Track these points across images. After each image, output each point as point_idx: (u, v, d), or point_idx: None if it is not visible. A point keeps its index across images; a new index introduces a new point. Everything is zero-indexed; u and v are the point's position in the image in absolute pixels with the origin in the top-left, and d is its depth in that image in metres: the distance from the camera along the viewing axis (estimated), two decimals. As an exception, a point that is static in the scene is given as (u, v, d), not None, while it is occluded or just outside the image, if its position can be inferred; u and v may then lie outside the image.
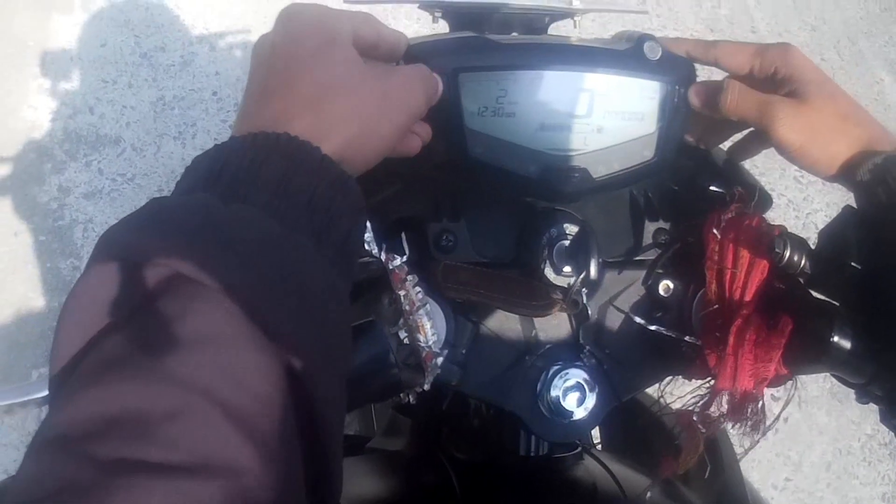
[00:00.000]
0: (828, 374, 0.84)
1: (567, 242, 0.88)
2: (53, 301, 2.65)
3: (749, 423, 0.86)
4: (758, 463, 2.71)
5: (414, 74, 0.74)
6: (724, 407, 0.86)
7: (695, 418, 0.87)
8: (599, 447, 1.33)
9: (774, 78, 0.85)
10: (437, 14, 1.07)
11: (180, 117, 3.06)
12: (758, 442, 0.87)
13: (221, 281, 0.50)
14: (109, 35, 3.23)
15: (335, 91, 0.66)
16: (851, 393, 0.84)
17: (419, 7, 1.06)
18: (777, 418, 0.86)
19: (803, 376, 0.87)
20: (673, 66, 0.88)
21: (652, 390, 0.99)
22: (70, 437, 0.45)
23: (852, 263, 0.78)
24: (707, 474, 1.04)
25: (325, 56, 0.67)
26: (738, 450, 0.93)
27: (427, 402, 0.87)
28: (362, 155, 0.67)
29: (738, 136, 0.96)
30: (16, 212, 2.81)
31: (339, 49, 0.68)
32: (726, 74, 0.91)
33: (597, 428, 1.29)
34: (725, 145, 0.99)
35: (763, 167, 3.28)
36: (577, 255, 0.85)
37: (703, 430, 0.87)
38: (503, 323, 0.91)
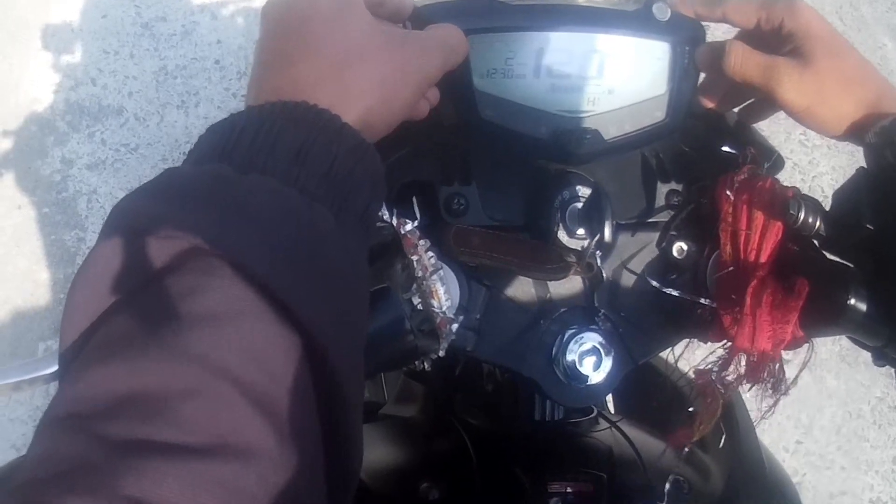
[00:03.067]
0: (837, 337, 0.83)
1: (580, 205, 0.87)
2: (59, 273, 2.65)
3: (769, 384, 0.86)
4: (769, 426, 2.71)
5: (431, 40, 0.72)
6: (742, 369, 0.85)
7: (713, 378, 0.86)
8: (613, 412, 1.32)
9: (780, 32, 0.84)
10: (444, -26, 1.06)
11: (183, 86, 3.05)
12: (774, 406, 0.87)
13: (237, 255, 0.50)
14: (110, 6, 3.21)
15: (355, 58, 0.64)
16: (861, 356, 0.84)
17: (426, -31, 1.05)
18: (794, 381, 0.86)
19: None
20: (682, 26, 0.88)
21: (665, 355, 0.98)
22: (81, 416, 0.44)
23: (866, 225, 0.77)
24: (722, 442, 1.04)
25: (342, 20, 0.65)
26: (754, 413, 0.92)
27: (440, 368, 0.87)
28: (382, 122, 0.66)
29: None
30: (19, 185, 2.81)
31: (355, 13, 0.67)
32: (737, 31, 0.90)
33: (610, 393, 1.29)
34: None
35: (769, 130, 3.26)
36: (591, 217, 0.84)
37: (723, 391, 0.87)
38: (517, 287, 0.90)
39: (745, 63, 0.84)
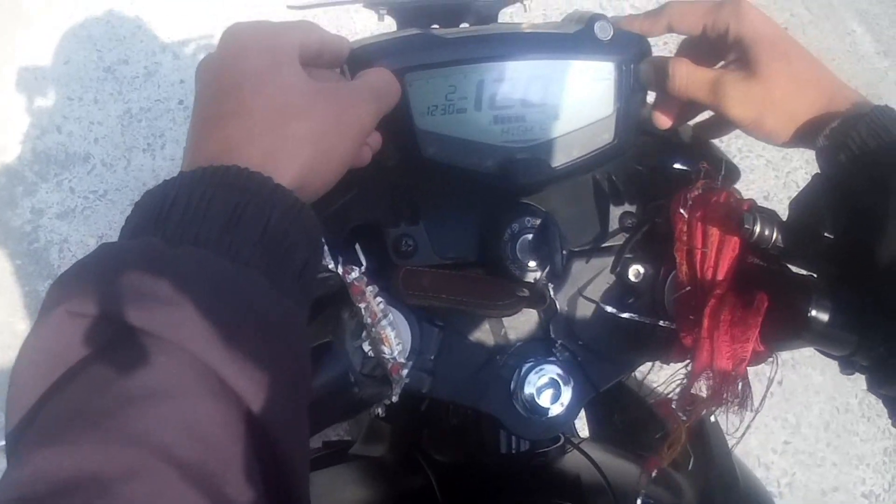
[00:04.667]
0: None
1: (530, 236, 0.86)
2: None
3: (735, 402, 0.85)
4: (755, 429, 2.68)
5: (363, 88, 0.72)
6: (704, 392, 0.84)
7: (674, 406, 0.86)
8: (588, 436, 1.32)
9: (727, 38, 0.83)
10: (382, 11, 1.05)
11: (148, 129, 3.04)
12: (746, 429, 0.86)
13: (172, 331, 0.49)
14: (72, 51, 3.20)
15: (287, 115, 0.63)
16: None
17: (364, 6, 1.05)
18: (763, 399, 0.85)
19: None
20: (626, 43, 0.87)
21: (640, 373, 0.97)
22: (28, 500, 0.43)
23: (825, 233, 0.76)
24: (691, 464, 1.03)
25: (274, 77, 0.65)
26: (732, 427, 0.92)
27: (405, 405, 0.86)
28: (320, 178, 0.66)
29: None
30: (-10, 238, 2.80)
31: (287, 68, 0.66)
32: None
33: (583, 417, 1.28)
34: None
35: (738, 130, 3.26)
36: (541, 248, 0.84)
37: (684, 419, 0.86)
38: (471, 324, 0.89)
39: (689, 82, 0.83)
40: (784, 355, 2.80)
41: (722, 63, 0.87)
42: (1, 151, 2.96)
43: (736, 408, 0.85)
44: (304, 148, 0.63)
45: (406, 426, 1.08)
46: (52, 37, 3.24)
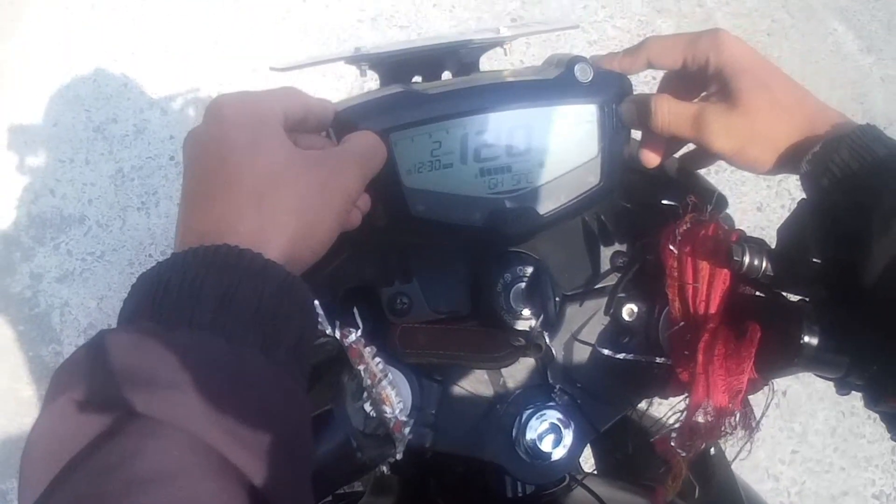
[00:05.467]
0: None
1: (523, 284, 0.86)
2: (40, 389, 2.64)
3: (736, 430, 0.85)
4: (763, 441, 2.70)
5: (348, 154, 0.72)
6: (701, 426, 0.85)
7: (672, 444, 0.86)
8: (595, 472, 1.32)
9: (707, 70, 0.84)
10: (364, 67, 1.06)
11: (141, 187, 3.05)
12: (749, 447, 0.86)
13: (172, 414, 0.50)
14: (60, 113, 3.22)
15: (273, 186, 0.64)
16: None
17: (346, 63, 1.06)
18: (758, 422, 0.85)
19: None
20: (607, 84, 0.87)
21: (642, 404, 0.98)
22: None
23: (813, 258, 0.77)
24: (697, 494, 1.03)
25: (256, 149, 0.65)
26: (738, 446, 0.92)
27: (411, 455, 0.86)
28: (309, 248, 0.66)
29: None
30: (-10, 305, 2.80)
31: (271, 140, 0.66)
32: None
33: (589, 452, 1.28)
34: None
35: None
36: (535, 295, 0.84)
37: (683, 454, 0.86)
38: (470, 376, 0.90)
39: (672, 118, 0.84)
40: (780, 383, 2.81)
41: (703, 95, 0.88)
42: (-3, 217, 2.98)
43: (739, 433, 0.85)
44: (292, 219, 0.64)
45: (413, 476, 1.08)
46: (39, 99, 3.26)
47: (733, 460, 0.95)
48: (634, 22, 3.82)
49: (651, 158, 0.91)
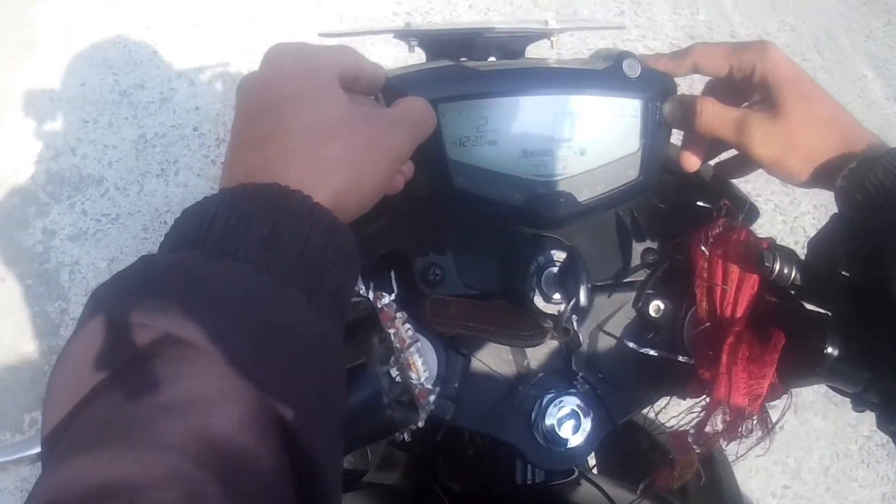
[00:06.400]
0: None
1: (555, 269, 0.86)
2: (43, 345, 2.64)
3: (755, 434, 0.86)
4: (756, 472, 2.70)
5: (400, 116, 0.72)
6: (719, 425, 0.85)
7: (690, 439, 0.87)
8: (595, 470, 1.32)
9: (752, 79, 0.85)
10: (413, 43, 1.06)
11: (162, 154, 3.06)
12: (769, 445, 0.87)
13: (211, 341, 0.50)
14: (88, 74, 3.23)
15: (327, 136, 0.64)
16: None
17: (394, 37, 1.06)
18: (773, 428, 0.86)
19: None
20: (653, 82, 0.88)
21: (645, 409, 0.98)
22: None
23: (842, 272, 0.77)
24: (703, 482, 1.03)
25: (313, 98, 0.65)
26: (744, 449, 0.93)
27: (421, 435, 0.86)
28: (354, 202, 0.66)
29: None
30: (1, 257, 2.81)
31: (327, 91, 0.67)
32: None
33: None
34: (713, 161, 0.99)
35: (747, 173, 3.28)
36: (566, 281, 0.84)
37: (698, 450, 0.87)
38: (495, 354, 0.90)
39: (716, 120, 0.85)
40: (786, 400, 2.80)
41: (745, 104, 0.89)
42: (14, 172, 2.98)
43: (756, 436, 0.86)
44: (341, 170, 0.64)
45: (421, 455, 1.09)
46: (68, 59, 3.28)
47: (735, 460, 0.95)
48: (666, 44, 3.85)
49: (691, 160, 0.92)
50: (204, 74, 3.26)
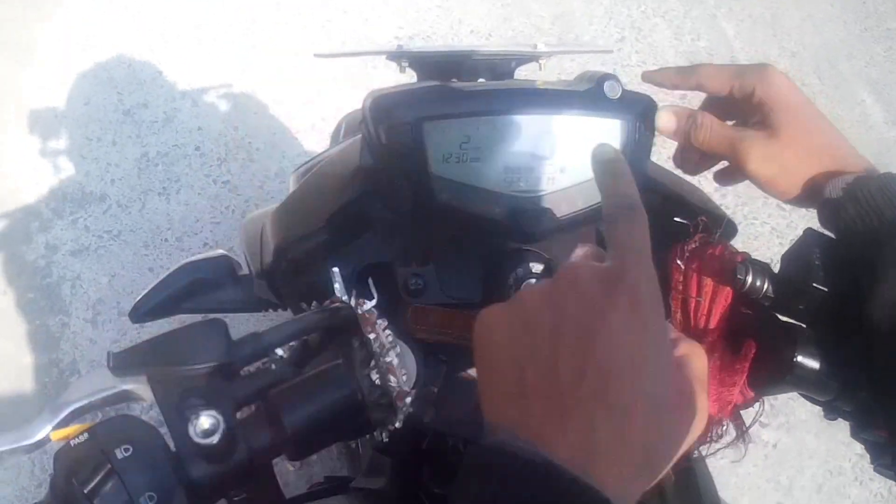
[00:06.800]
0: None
1: (534, 281, 0.89)
2: (43, 358, 2.66)
3: (728, 437, 0.88)
4: (748, 489, 2.70)
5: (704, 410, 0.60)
6: None
7: None
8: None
9: (751, 100, 0.87)
10: (404, 64, 1.09)
11: (164, 173, 3.09)
12: (743, 452, 0.89)
13: None
14: (93, 92, 3.27)
15: (656, 427, 0.53)
16: (843, 415, 0.86)
17: (387, 58, 1.09)
18: (746, 432, 0.88)
19: (791, 401, 0.88)
20: (633, 102, 0.91)
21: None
22: None
23: (814, 285, 0.80)
24: (679, 485, 1.05)
25: (652, 370, 0.54)
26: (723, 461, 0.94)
27: (408, 442, 0.88)
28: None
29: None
30: (4, 270, 2.84)
31: (664, 359, 0.56)
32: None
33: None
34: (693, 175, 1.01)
35: (746, 195, 3.31)
36: None
37: None
38: (473, 362, 0.92)
39: (713, 136, 0.88)
40: (780, 419, 2.83)
41: (742, 124, 0.91)
42: (18, 187, 3.02)
43: (729, 442, 0.88)
44: (649, 472, 0.54)
45: (407, 461, 1.11)
46: (73, 77, 3.32)
47: (706, 456, 0.96)
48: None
49: (684, 168, 0.96)
50: (207, 95, 3.30)
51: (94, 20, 3.50)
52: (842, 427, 0.85)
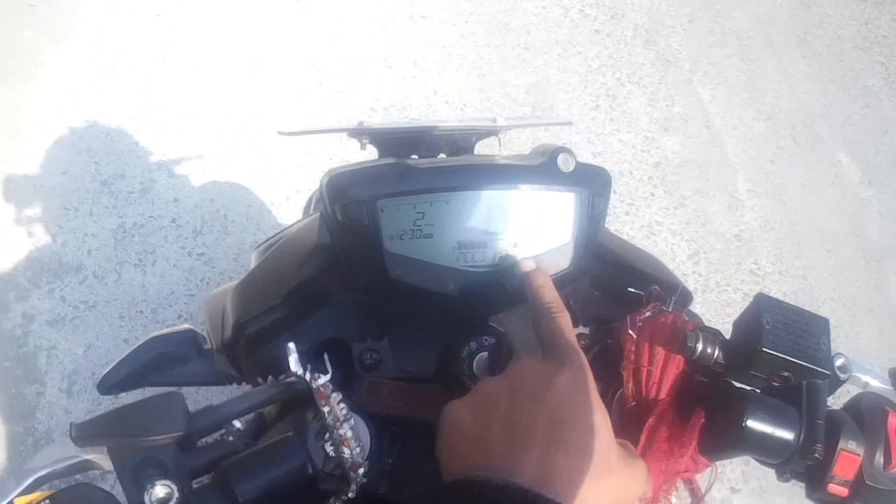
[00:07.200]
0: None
1: (486, 354, 0.91)
2: (18, 427, 2.65)
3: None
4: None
5: (643, 471, 0.77)
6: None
7: None
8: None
9: None
10: (364, 141, 1.12)
11: (140, 244, 3.11)
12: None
13: None
14: (70, 162, 3.29)
15: (605, 471, 0.69)
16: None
17: (349, 136, 1.11)
18: (702, 499, 0.89)
19: (764, 467, 0.89)
20: (587, 175, 0.93)
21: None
22: None
23: (765, 349, 0.82)
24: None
25: (600, 431, 0.70)
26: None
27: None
28: None
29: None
30: (-20, 340, 2.83)
31: (606, 428, 0.72)
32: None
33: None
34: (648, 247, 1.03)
35: (718, 262, 3.34)
36: (495, 366, 0.88)
37: None
38: (429, 433, 0.92)
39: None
40: (752, 484, 2.83)
41: None
42: (-4, 255, 3.03)
43: None
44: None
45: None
46: (52, 147, 3.33)
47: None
48: (640, 137, 3.92)
49: None
50: (182, 167, 3.32)
51: (72, 88, 3.53)
52: (806, 498, 0.87)
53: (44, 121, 3.38)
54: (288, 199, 3.30)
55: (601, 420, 0.70)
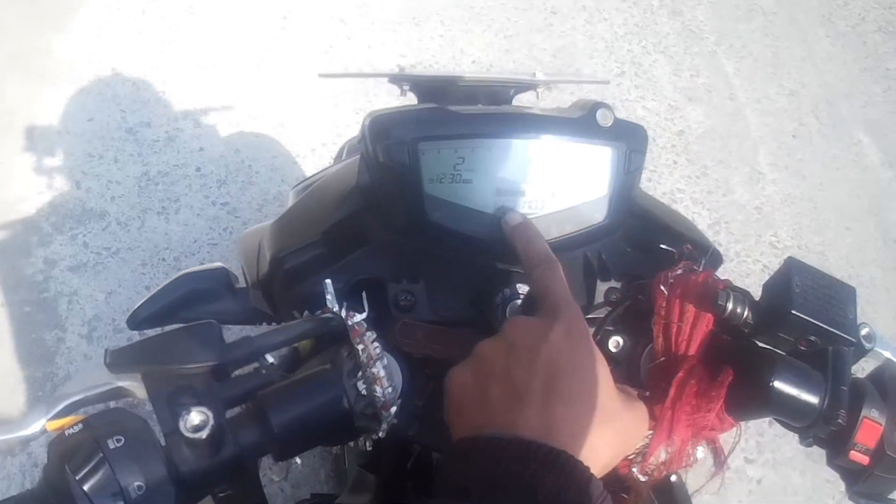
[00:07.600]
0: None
1: (519, 301, 0.91)
2: (37, 372, 2.67)
3: (699, 463, 0.89)
4: (733, 526, 2.71)
5: (643, 411, 0.81)
6: (663, 456, 0.89)
7: (635, 469, 0.90)
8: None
9: None
10: (405, 87, 1.12)
11: (164, 192, 3.12)
12: (721, 478, 0.90)
13: None
14: (97, 109, 3.31)
15: (608, 416, 0.71)
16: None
17: (388, 81, 1.11)
18: (725, 461, 0.90)
19: (779, 438, 0.89)
20: (624, 131, 0.93)
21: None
22: None
23: (794, 312, 0.82)
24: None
25: (598, 379, 0.72)
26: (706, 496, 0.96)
27: (392, 459, 0.89)
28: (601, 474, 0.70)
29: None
30: (2, 283, 2.85)
31: (606, 375, 0.74)
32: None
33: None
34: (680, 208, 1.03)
35: (739, 233, 3.33)
36: (529, 314, 0.89)
37: (643, 479, 0.90)
38: None
39: None
40: (766, 455, 2.84)
41: None
42: (19, 201, 3.04)
43: (712, 471, 0.90)
44: (609, 451, 0.71)
45: (391, 478, 1.12)
46: (78, 94, 3.36)
47: (694, 493, 0.98)
48: (664, 105, 3.91)
49: None
50: (208, 117, 3.33)
51: (101, 37, 3.56)
52: (827, 465, 0.87)
53: (72, 67, 3.39)
54: (313, 151, 3.31)
55: (599, 368, 0.73)
